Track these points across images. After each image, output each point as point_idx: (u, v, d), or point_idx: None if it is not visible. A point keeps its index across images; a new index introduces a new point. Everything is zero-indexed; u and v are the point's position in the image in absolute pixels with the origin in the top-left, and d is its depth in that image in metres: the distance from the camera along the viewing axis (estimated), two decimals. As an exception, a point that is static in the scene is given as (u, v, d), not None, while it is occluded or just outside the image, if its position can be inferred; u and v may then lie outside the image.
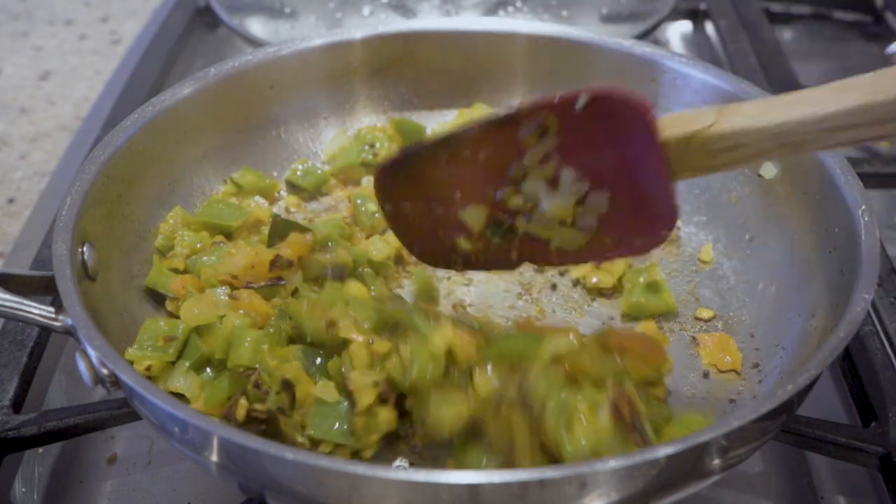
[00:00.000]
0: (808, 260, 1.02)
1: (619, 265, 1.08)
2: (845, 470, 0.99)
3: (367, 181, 1.21)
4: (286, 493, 0.78)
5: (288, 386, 0.88)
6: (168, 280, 1.03)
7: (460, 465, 0.85)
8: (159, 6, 1.84)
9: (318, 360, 0.92)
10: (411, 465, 0.90)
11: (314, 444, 0.88)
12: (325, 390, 0.88)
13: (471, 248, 0.96)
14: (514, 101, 1.26)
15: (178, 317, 1.02)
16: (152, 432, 1.02)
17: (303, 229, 1.07)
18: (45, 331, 1.07)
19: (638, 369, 0.89)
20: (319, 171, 1.23)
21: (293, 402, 0.88)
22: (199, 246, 1.07)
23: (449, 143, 0.91)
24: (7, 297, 0.90)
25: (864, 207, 0.95)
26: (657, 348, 0.91)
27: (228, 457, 0.78)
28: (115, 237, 1.02)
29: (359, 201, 1.16)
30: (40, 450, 1.02)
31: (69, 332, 0.89)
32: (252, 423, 0.89)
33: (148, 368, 0.94)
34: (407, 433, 0.92)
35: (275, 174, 1.23)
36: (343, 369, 0.88)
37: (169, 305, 1.03)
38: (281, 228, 1.07)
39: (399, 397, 0.89)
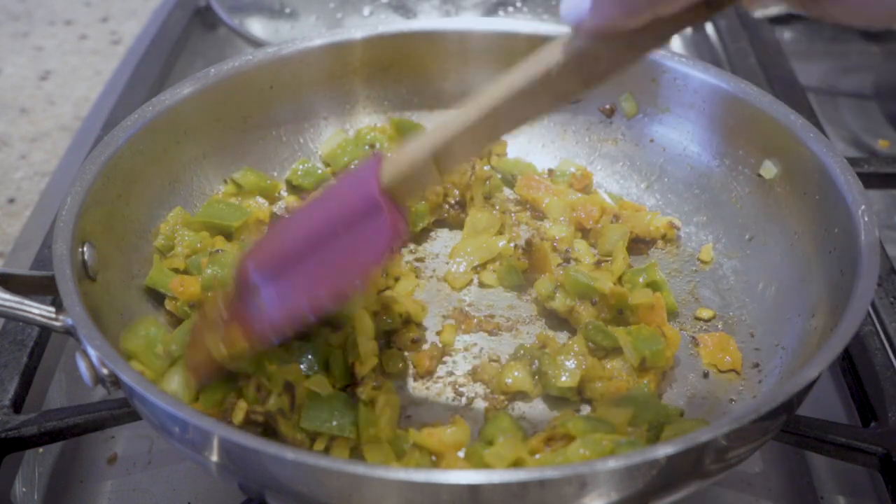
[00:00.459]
0: (808, 260, 1.02)
1: (618, 265, 1.08)
2: (845, 470, 0.99)
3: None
4: (286, 493, 0.78)
5: (290, 388, 0.89)
6: (168, 280, 1.03)
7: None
8: (159, 6, 1.84)
9: (310, 356, 0.94)
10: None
11: (311, 439, 0.89)
12: (319, 384, 0.90)
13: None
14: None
15: (178, 317, 1.03)
16: (152, 432, 1.02)
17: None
18: (45, 331, 1.07)
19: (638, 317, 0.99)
20: (320, 172, 1.23)
21: (293, 403, 0.89)
22: (199, 246, 1.07)
23: None
24: (7, 296, 0.90)
25: (864, 207, 0.95)
26: (659, 309, 0.99)
27: (228, 457, 0.78)
28: (115, 237, 1.02)
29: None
30: (40, 450, 1.02)
31: (69, 332, 0.89)
32: (249, 425, 0.89)
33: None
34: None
35: (275, 174, 1.23)
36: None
37: (168, 305, 1.04)
38: (281, 228, 1.08)
39: None
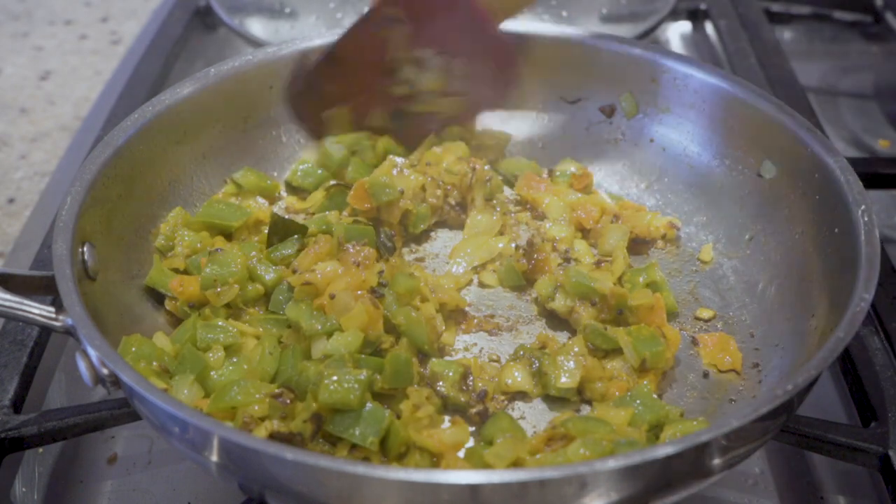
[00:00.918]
0: (808, 260, 1.02)
1: (618, 265, 1.08)
2: (845, 470, 0.99)
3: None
4: (286, 493, 0.78)
5: (317, 419, 0.86)
6: (168, 280, 1.03)
7: None
8: (159, 6, 1.84)
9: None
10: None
11: (333, 445, 0.87)
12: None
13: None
14: (515, 100, 1.27)
15: (177, 317, 1.03)
16: (152, 432, 1.02)
17: (302, 229, 1.07)
18: (45, 331, 1.07)
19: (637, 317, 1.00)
20: (319, 172, 1.23)
21: (317, 433, 0.87)
22: (199, 246, 1.07)
23: (331, 57, 1.16)
24: (7, 296, 0.90)
25: (864, 207, 0.95)
26: (659, 310, 1.01)
27: (228, 457, 0.78)
28: (115, 237, 1.02)
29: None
30: (40, 450, 1.02)
31: (69, 332, 0.89)
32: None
33: None
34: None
35: (275, 174, 1.23)
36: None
37: (168, 305, 1.04)
38: (280, 228, 1.07)
39: None
